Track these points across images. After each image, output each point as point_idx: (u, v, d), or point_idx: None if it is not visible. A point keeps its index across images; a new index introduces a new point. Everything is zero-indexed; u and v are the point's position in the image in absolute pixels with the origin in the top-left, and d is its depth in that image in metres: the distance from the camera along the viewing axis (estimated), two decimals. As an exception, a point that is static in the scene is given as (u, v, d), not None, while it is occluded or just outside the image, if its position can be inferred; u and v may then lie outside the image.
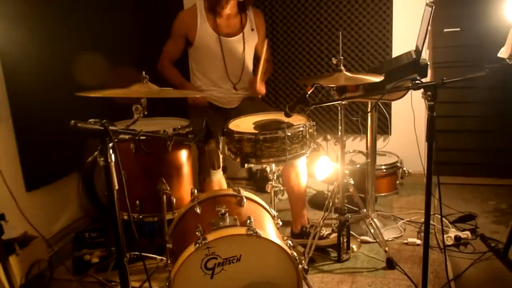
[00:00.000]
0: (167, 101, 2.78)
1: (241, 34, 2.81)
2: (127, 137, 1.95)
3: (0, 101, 2.40)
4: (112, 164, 1.41)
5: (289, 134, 2.08)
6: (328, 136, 3.45)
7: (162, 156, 2.16)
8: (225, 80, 2.83)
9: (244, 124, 2.25)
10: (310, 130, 2.21)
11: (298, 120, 2.22)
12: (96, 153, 1.41)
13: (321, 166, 3.14)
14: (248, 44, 2.85)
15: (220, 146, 2.42)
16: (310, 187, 3.56)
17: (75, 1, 2.85)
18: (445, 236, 2.66)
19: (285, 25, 3.77)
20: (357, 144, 3.87)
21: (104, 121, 1.39)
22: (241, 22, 2.82)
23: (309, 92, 1.99)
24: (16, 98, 2.46)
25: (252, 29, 2.85)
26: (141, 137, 1.67)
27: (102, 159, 1.40)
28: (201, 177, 2.68)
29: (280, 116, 2.22)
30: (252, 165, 2.16)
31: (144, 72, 1.95)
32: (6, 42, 2.38)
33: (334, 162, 2.75)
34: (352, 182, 2.51)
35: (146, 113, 1.77)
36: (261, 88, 2.78)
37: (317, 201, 3.47)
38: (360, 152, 3.52)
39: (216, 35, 2.74)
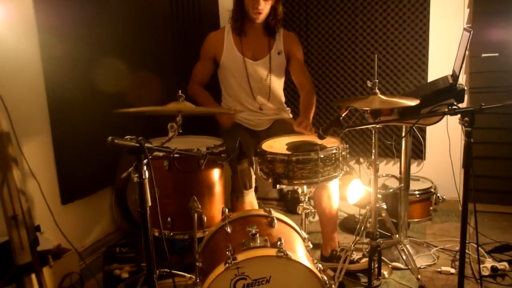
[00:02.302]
0: (201, 120, 2.90)
1: (267, 57, 2.76)
2: (161, 154, 1.97)
3: (40, 114, 2.44)
4: (146, 180, 1.42)
5: (322, 156, 2.06)
6: (361, 159, 3.37)
7: (194, 174, 2.13)
8: (252, 102, 2.81)
9: (277, 145, 2.24)
10: (343, 153, 2.18)
11: (331, 143, 2.20)
12: (130, 169, 1.42)
13: (353, 189, 3.08)
14: (274, 68, 2.80)
15: (253, 166, 2.41)
16: (342, 210, 3.52)
17: (115, 18, 2.90)
18: (481, 266, 2.56)
19: (320, 47, 3.77)
20: (390, 168, 3.79)
21: (140, 138, 1.40)
22: (269, 45, 2.79)
23: (343, 115, 1.98)
24: (56, 111, 2.49)
25: (279, 53, 2.79)
26: (175, 155, 1.68)
27: (137, 175, 1.41)
28: (233, 196, 2.66)
29: (313, 138, 2.22)
30: (284, 186, 2.13)
31: (180, 91, 1.99)
32: (49, 55, 2.43)
33: (366, 186, 2.68)
34: (384, 206, 2.46)
35: (180, 131, 1.79)
36: (309, 128, 2.59)
37: (348, 225, 3.42)
38: (393, 176, 3.44)
39: (241, 56, 2.73)
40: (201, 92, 2.78)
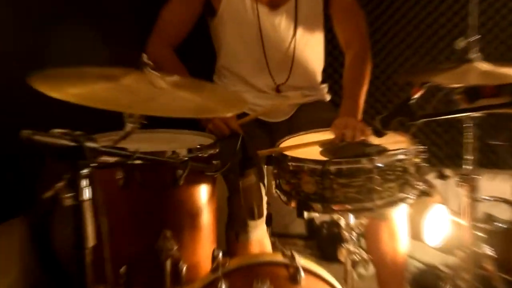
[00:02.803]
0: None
1: (292, 1, 2.63)
2: (113, 160, 1.74)
3: None
4: (87, 204, 1.33)
5: (381, 164, 1.87)
6: (447, 172, 3.06)
7: (168, 193, 1.99)
8: (265, 79, 2.68)
9: (305, 147, 2.15)
10: (415, 160, 2.00)
11: (395, 143, 2.06)
12: (58, 184, 1.31)
13: (434, 222, 2.95)
14: (303, 19, 2.67)
15: (265, 182, 2.31)
16: (414, 257, 3.33)
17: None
18: None
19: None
20: (497, 186, 3.51)
21: (78, 133, 1.31)
22: None
23: (415, 97, 1.89)
24: None
25: None
26: (136, 161, 1.58)
27: (70, 195, 1.31)
28: (231, 231, 2.50)
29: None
30: (316, 215, 2.16)
31: (145, 56, 1.80)
32: None
33: (456, 217, 2.65)
34: (490, 252, 2.33)
35: (145, 122, 1.68)
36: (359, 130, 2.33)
37: (427, 282, 3.22)
38: (504, 201, 3.25)
39: (253, 2, 2.58)
40: (168, 58, 2.64)
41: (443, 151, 3.60)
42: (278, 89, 2.72)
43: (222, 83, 2.75)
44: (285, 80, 2.72)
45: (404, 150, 1.97)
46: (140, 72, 1.77)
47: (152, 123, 1.78)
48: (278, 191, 2.09)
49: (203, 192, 2.16)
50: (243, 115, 2.59)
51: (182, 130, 2.40)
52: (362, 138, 2.18)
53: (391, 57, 3.65)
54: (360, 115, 2.54)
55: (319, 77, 2.90)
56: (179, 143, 2.26)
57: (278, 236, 3.66)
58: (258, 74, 2.71)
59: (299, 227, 3.90)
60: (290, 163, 1.98)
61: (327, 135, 2.26)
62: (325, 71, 2.96)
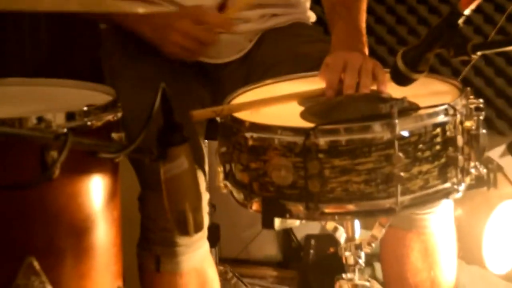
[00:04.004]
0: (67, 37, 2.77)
1: None
2: None
3: None
4: None
5: (406, 133, 1.41)
6: None
7: (32, 194, 1.44)
8: None
9: (272, 104, 1.70)
10: (467, 124, 1.50)
11: (431, 95, 1.63)
12: None
13: (502, 233, 2.52)
14: None
15: (205, 169, 1.91)
16: None
17: None
18: None
19: None
20: None
21: None
22: None
23: (466, 11, 1.38)
24: None
25: None
26: None
27: None
28: (147, 255, 1.94)
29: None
30: (296, 223, 1.61)
31: None
32: None
33: None
34: None
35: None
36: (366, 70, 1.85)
37: None
38: None
39: None
40: None
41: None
42: (222, 5, 2.09)
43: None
44: None
45: (446, 107, 1.45)
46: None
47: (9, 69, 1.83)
48: (229, 184, 1.58)
49: (95, 190, 1.58)
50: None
51: (63, 80, 1.78)
52: (373, 87, 1.70)
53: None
54: (366, 46, 1.97)
55: None
56: (53, 103, 1.67)
57: (232, 262, 2.97)
58: None
59: (268, 247, 3.15)
60: (248, 135, 1.45)
61: (312, 84, 1.77)
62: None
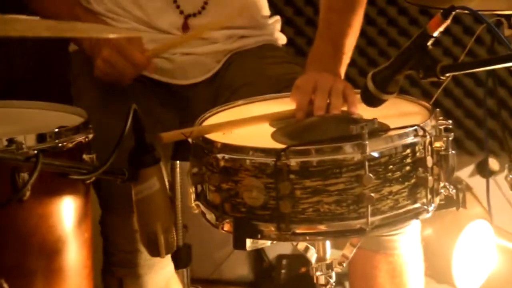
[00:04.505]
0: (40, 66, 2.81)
1: None
2: None
3: None
4: None
5: (376, 154, 1.45)
6: (493, 163, 2.79)
7: (2, 216, 1.51)
8: (167, 11, 2.14)
9: (244, 126, 1.73)
10: (437, 145, 1.56)
11: (401, 116, 1.70)
12: None
13: (471, 251, 2.56)
14: None
15: (177, 190, 1.86)
16: None
17: None
18: None
19: None
20: None
21: None
22: None
23: (435, 33, 1.45)
24: None
25: None
26: None
27: None
28: (111, 282, 1.96)
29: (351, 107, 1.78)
30: (268, 244, 1.63)
31: None
32: None
33: (509, 241, 2.53)
34: None
35: None
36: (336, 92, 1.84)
37: None
38: None
39: None
40: None
41: (486, 129, 3.06)
42: (186, 25, 2.11)
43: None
44: (200, 9, 2.13)
45: (416, 128, 1.48)
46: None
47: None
48: (200, 205, 1.58)
49: (66, 211, 1.62)
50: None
51: (35, 102, 1.83)
52: (344, 108, 1.74)
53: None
54: (342, 69, 1.95)
55: (263, 4, 2.33)
56: (24, 125, 1.74)
57: (204, 283, 2.97)
58: (156, 4, 2.16)
59: (240, 268, 3.18)
60: (220, 156, 1.46)
61: (283, 105, 1.78)
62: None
